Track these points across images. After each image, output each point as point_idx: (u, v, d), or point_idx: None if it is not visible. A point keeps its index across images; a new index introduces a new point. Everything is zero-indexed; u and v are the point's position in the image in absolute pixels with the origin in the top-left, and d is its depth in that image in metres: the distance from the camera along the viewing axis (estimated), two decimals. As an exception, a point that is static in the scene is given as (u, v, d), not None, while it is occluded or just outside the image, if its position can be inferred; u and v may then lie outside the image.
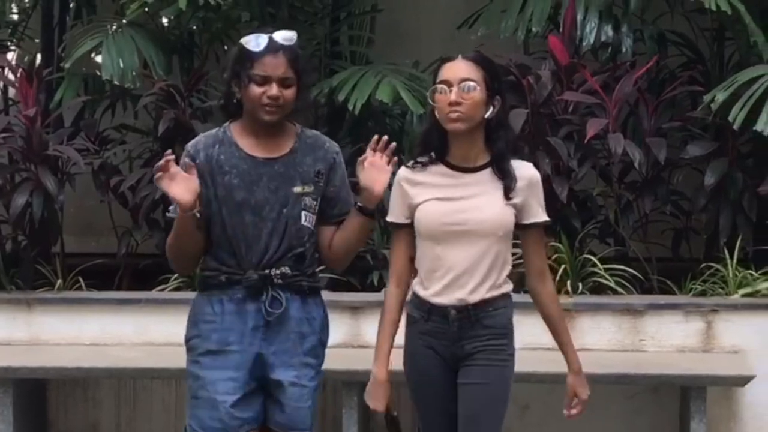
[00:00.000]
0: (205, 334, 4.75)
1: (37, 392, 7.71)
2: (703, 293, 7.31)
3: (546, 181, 7.23)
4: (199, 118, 8.05)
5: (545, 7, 7.98)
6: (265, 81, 4.59)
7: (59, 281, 7.78)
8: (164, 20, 8.53)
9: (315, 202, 4.76)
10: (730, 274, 7.26)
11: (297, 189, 4.72)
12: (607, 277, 7.34)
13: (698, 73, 8.04)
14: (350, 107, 7.61)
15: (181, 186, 4.56)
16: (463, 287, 4.66)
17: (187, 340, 4.83)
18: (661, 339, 7.16)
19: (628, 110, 7.86)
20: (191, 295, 7.10)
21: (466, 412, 4.70)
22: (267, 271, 4.69)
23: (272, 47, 4.60)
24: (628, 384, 7.12)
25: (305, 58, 4.89)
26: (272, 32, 4.68)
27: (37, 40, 9.19)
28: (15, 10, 9.14)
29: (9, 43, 9.18)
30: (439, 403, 4.76)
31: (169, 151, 4.62)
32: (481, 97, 4.60)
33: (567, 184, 7.45)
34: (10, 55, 8.98)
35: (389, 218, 4.82)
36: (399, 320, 4.84)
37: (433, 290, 4.69)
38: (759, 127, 7.09)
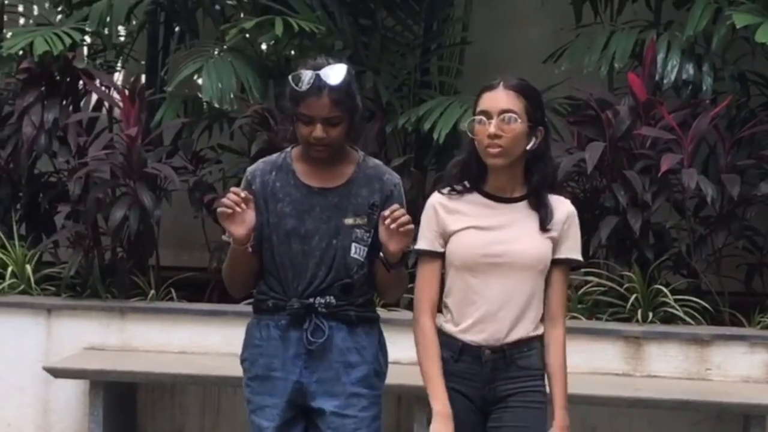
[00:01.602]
0: (253, 358, 4.81)
1: (127, 396, 7.89)
2: (771, 326, 7.44)
3: (621, 212, 7.58)
4: (292, 140, 8.25)
5: (628, 44, 8.17)
6: (310, 121, 4.54)
7: (152, 292, 7.96)
8: (262, 46, 8.74)
9: (368, 234, 4.68)
10: (797, 309, 7.37)
11: (349, 221, 4.67)
12: (677, 307, 7.46)
13: (778, 113, 8.15)
14: (435, 136, 7.77)
15: (236, 218, 4.57)
16: (498, 323, 4.45)
17: (241, 361, 4.90)
18: (726, 369, 7.28)
19: (707, 148, 8.00)
20: None
21: None
22: (311, 300, 4.66)
23: (316, 86, 4.51)
24: (692, 410, 7.24)
25: (355, 79, 4.71)
26: (322, 65, 4.60)
27: (142, 62, 9.34)
28: (122, 33, 9.24)
29: (115, 65, 9.32)
30: None
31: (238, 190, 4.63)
32: (523, 129, 4.41)
33: (641, 216, 7.56)
34: (116, 76, 9.20)
35: (419, 245, 4.58)
36: (439, 354, 4.57)
37: (465, 325, 4.48)
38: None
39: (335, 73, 4.55)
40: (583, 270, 7.68)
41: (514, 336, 4.44)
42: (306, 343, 4.68)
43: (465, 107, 7.96)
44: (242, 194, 4.59)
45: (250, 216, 4.59)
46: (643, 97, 7.77)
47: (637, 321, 7.51)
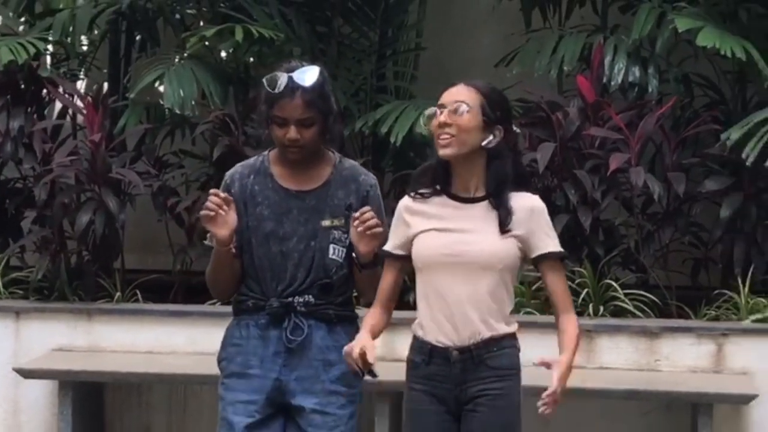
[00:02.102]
0: (231, 356, 4.78)
1: (96, 395, 7.87)
2: (716, 318, 7.48)
3: (572, 210, 7.61)
4: (252, 144, 8.04)
5: (577, 48, 8.20)
6: (284, 123, 4.51)
7: (118, 294, 7.92)
8: (222, 54, 8.67)
9: (345, 235, 4.65)
10: (743, 301, 7.44)
11: (326, 222, 4.65)
12: (627, 301, 7.50)
13: (720, 113, 8.23)
14: (392, 139, 7.80)
15: (218, 220, 4.56)
16: (462, 323, 4.33)
17: (218, 362, 4.87)
18: (674, 360, 7.32)
19: (654, 147, 8.04)
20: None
21: None
22: (290, 299, 4.64)
23: (289, 88, 4.48)
24: (642, 400, 7.27)
25: (328, 84, 4.69)
26: (296, 68, 4.59)
27: (105, 71, 9.23)
28: (85, 42, 9.21)
29: (79, 73, 9.22)
30: None
31: (218, 192, 4.64)
32: (475, 122, 4.31)
33: (591, 214, 7.62)
34: (80, 84, 9.11)
35: (384, 246, 4.54)
36: (379, 322, 4.54)
37: (431, 326, 4.37)
38: (770, 162, 7.32)
39: (308, 75, 4.52)
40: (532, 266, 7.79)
41: (481, 336, 4.31)
42: (285, 341, 4.66)
43: (419, 111, 7.80)
44: (222, 195, 4.59)
45: (231, 217, 4.59)
46: (591, 98, 7.82)
47: (589, 315, 7.52)
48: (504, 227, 4.31)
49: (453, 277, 4.30)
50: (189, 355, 7.33)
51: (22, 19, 9.27)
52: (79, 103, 8.38)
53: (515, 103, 8.22)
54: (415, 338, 4.41)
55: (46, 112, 8.81)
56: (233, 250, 4.66)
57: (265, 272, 4.67)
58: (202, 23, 8.82)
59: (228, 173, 4.82)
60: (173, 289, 8.24)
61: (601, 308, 7.56)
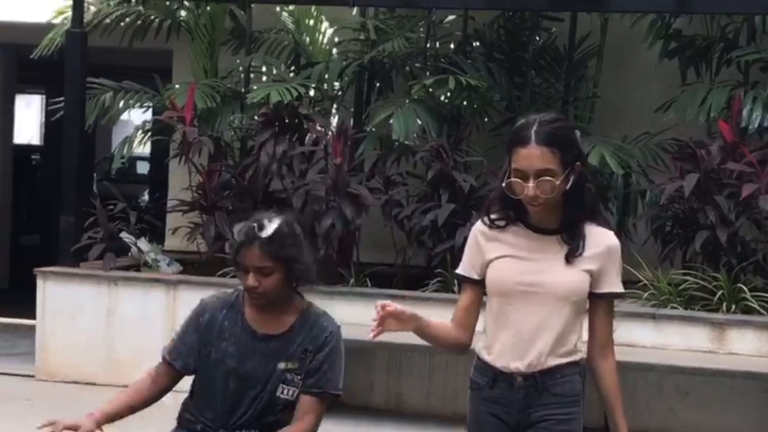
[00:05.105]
0: None
1: None
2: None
3: (712, 228, 7.65)
4: (459, 169, 8.33)
5: (722, 99, 8.23)
6: (245, 270, 3.92)
7: (352, 280, 8.18)
8: (440, 98, 8.84)
9: (298, 377, 4.02)
10: None
11: (281, 365, 4.01)
12: (753, 301, 7.57)
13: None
14: None
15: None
16: (529, 350, 3.64)
17: None
18: None
19: None
20: (446, 295, 7.61)
21: None
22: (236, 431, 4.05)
23: (249, 237, 3.89)
24: (763, 380, 7.32)
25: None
26: (262, 218, 3.96)
27: (351, 109, 9.44)
28: (336, 87, 9.39)
29: (330, 111, 9.37)
30: None
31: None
32: (562, 184, 3.54)
33: (727, 231, 7.70)
34: (331, 120, 9.22)
35: (459, 270, 3.81)
36: (442, 332, 3.80)
37: (496, 350, 3.69)
38: None
39: (267, 226, 3.93)
40: (682, 271, 7.88)
41: (547, 364, 3.65)
42: None
43: (592, 146, 8.03)
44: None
45: None
46: (730, 139, 7.92)
47: (722, 311, 7.61)
48: (570, 259, 3.63)
49: (526, 306, 3.64)
50: (403, 329, 7.53)
51: (290, 69, 9.59)
52: (329, 135, 8.62)
53: (670, 141, 8.45)
54: (479, 359, 3.76)
55: (304, 140, 8.88)
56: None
57: (216, 404, 4.06)
58: (426, 74, 9.05)
59: (204, 299, 4.19)
60: (395, 278, 8.43)
61: (733, 306, 7.63)
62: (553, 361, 3.65)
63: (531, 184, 3.53)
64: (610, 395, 3.69)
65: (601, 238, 3.67)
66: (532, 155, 3.53)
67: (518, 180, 3.56)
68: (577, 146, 3.64)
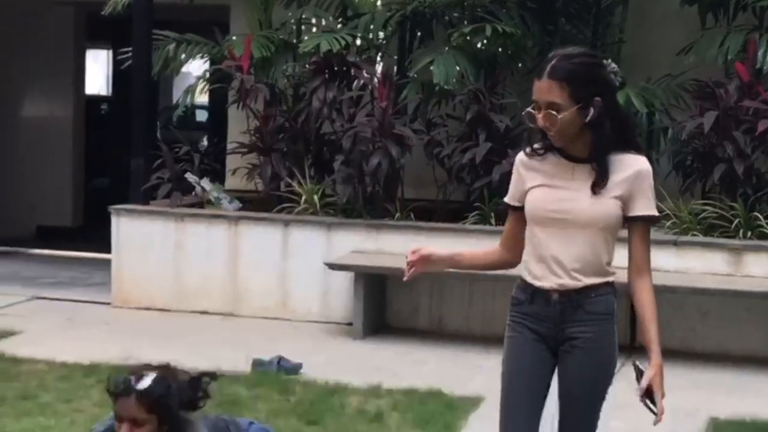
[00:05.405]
0: None
1: (380, 284, 8.34)
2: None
3: (729, 161, 7.88)
4: (495, 111, 8.56)
5: (738, 42, 8.44)
6: (119, 419, 3.69)
7: (398, 214, 8.44)
8: (477, 45, 9.09)
9: None
10: None
11: None
12: (767, 227, 7.81)
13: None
14: None
15: None
16: (563, 273, 3.69)
17: None
18: None
19: None
20: (483, 227, 7.92)
21: (566, 396, 3.78)
22: None
23: (125, 389, 3.67)
24: None
25: None
26: (139, 371, 3.74)
27: (394, 57, 9.62)
28: (381, 36, 9.52)
29: (375, 58, 9.55)
30: (529, 381, 3.79)
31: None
32: (571, 116, 3.57)
33: (743, 164, 7.93)
34: (377, 67, 9.45)
35: (505, 198, 3.89)
36: (480, 258, 3.98)
37: (536, 273, 3.74)
38: None
39: (144, 379, 3.72)
40: (702, 201, 8.16)
41: (581, 283, 3.69)
42: None
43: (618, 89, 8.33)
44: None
45: None
46: (746, 79, 8.15)
47: (739, 238, 7.86)
48: (597, 189, 3.65)
49: (558, 231, 3.68)
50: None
51: (338, 20, 9.72)
52: (375, 80, 8.82)
53: (691, 81, 8.64)
54: (521, 279, 3.81)
55: (352, 86, 9.05)
56: None
57: None
58: (464, 23, 9.15)
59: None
60: (436, 213, 8.66)
61: (749, 233, 7.88)
62: (587, 281, 3.68)
63: (540, 114, 3.61)
64: (646, 311, 3.68)
65: (630, 163, 3.66)
66: (542, 88, 3.60)
67: (531, 110, 3.65)
68: (599, 81, 3.60)
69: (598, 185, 3.64)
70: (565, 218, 3.67)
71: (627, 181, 3.65)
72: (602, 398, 3.80)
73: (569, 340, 3.74)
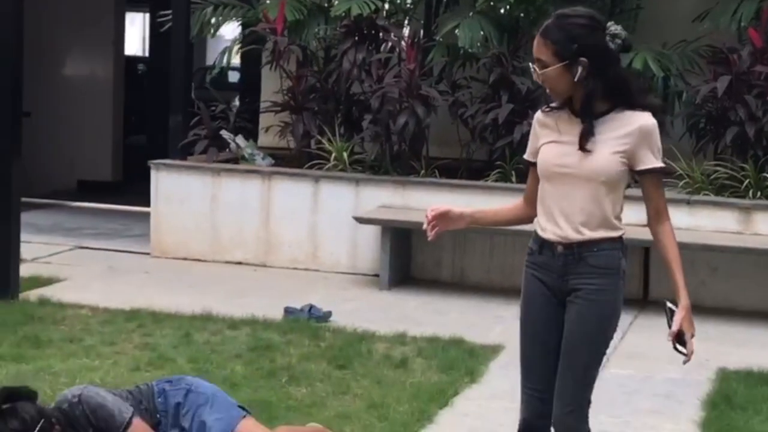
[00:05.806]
0: None
1: (405, 237, 8.42)
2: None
3: (741, 123, 7.98)
4: (517, 73, 8.55)
5: (751, 9, 8.52)
6: None
7: (423, 171, 8.57)
8: (501, 11, 9.19)
9: None
10: None
11: None
12: None
13: None
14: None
15: None
16: (568, 226, 3.72)
17: None
18: None
19: None
20: (505, 184, 7.98)
21: (565, 345, 3.77)
22: None
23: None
24: None
25: None
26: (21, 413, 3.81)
27: (421, 21, 9.67)
28: (409, 1, 9.69)
29: (403, 22, 9.66)
30: (538, 328, 3.84)
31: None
32: (556, 73, 3.61)
33: (755, 127, 8.03)
34: (404, 30, 9.54)
35: (525, 155, 3.94)
36: (501, 214, 4.03)
37: (543, 226, 3.78)
38: None
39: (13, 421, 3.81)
40: (714, 162, 8.26)
41: (584, 237, 3.71)
42: None
43: (635, 52, 8.35)
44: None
45: None
46: (759, 45, 8.23)
47: (749, 198, 7.97)
48: (583, 144, 3.67)
49: (563, 185, 3.71)
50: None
51: None
52: (403, 43, 8.93)
53: (705, 47, 8.70)
54: (535, 231, 3.84)
55: (381, 48, 9.14)
56: None
57: None
58: None
59: None
60: (460, 170, 8.74)
61: (759, 193, 7.99)
62: (591, 234, 3.69)
63: (536, 69, 3.68)
64: (669, 254, 3.69)
65: (633, 119, 3.66)
66: (534, 45, 3.67)
67: (531, 65, 3.72)
68: (586, 43, 3.57)
69: (584, 139, 3.66)
70: (568, 172, 3.70)
71: (630, 136, 3.66)
72: (600, 353, 3.79)
73: (574, 291, 3.76)
